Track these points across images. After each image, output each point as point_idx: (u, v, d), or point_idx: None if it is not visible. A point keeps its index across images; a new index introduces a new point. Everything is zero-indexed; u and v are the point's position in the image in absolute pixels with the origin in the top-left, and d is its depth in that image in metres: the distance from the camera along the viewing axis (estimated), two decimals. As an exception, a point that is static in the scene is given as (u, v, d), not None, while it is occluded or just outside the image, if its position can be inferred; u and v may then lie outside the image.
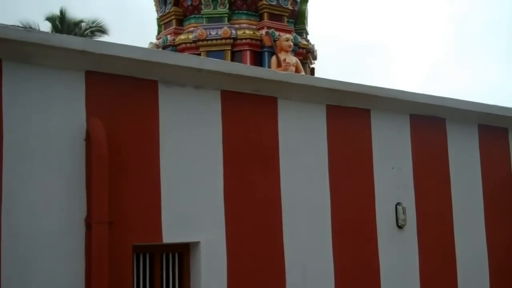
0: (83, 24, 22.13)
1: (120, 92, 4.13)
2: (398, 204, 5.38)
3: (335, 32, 35.50)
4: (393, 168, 5.43)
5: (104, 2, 34.08)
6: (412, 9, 38.21)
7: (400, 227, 5.36)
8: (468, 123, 6.02)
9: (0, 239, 3.59)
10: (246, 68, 4.94)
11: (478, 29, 35.50)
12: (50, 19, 21.60)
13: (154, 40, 7.98)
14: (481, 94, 29.63)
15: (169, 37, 7.59)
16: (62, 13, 21.78)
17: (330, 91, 5.09)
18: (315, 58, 8.14)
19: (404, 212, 5.38)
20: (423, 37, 37.41)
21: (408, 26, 37.64)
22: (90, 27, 22.00)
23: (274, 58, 7.10)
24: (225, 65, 4.62)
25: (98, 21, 22.31)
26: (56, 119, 3.88)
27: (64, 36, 4.20)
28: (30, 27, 13.70)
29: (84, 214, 3.87)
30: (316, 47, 8.10)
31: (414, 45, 36.90)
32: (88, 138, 3.92)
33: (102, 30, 21.94)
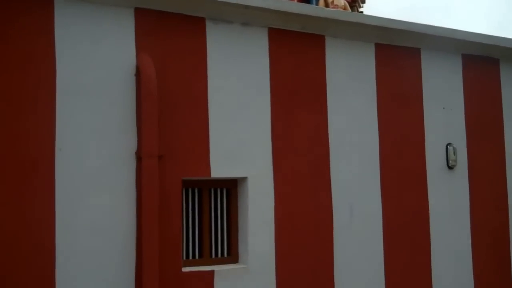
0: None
1: (169, 28, 4.16)
2: (448, 144, 5.27)
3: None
4: (444, 108, 5.30)
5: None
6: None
7: (450, 167, 5.26)
8: (524, 64, 5.78)
9: (54, 172, 3.73)
10: (293, 5, 4.85)
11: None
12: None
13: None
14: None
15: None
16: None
17: (379, 29, 4.96)
18: (363, 1, 7.93)
19: (454, 153, 5.26)
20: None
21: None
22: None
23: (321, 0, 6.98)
24: (272, 2, 4.55)
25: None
26: (107, 55, 3.94)
27: (113, -26, 4.22)
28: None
29: (135, 147, 3.97)
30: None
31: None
32: (138, 73, 3.98)
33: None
